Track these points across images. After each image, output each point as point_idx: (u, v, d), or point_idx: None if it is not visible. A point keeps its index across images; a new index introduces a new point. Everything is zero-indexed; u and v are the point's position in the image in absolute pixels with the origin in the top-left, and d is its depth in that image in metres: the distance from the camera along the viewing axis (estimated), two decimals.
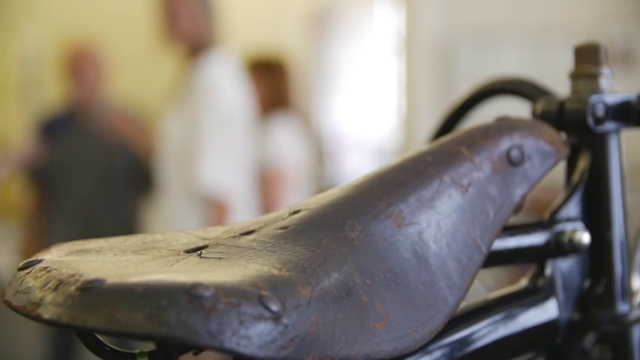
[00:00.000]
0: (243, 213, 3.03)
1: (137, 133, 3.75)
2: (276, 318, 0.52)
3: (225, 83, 3.06)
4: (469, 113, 0.96)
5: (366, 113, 8.78)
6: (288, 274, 0.56)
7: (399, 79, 7.29)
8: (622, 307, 0.78)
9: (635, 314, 0.79)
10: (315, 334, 0.54)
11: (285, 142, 3.89)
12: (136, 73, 5.52)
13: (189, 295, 0.50)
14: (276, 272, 0.56)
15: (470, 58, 7.04)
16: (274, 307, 0.52)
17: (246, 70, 3.96)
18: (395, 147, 6.66)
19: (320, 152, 8.27)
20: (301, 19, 8.36)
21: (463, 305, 0.73)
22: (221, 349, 0.50)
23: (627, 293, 0.79)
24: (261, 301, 0.52)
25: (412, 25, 7.12)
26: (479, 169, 0.68)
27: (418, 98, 6.83)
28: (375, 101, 8.62)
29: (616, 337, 0.77)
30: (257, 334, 0.51)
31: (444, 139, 0.70)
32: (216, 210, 2.95)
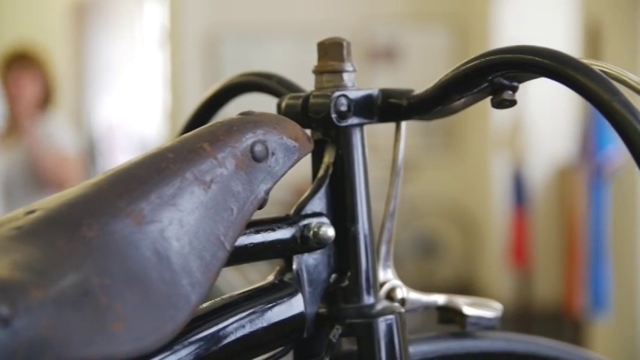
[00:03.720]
0: None
1: None
2: (5, 322, 0.50)
3: None
4: (220, 110, 0.95)
5: (136, 108, 8.69)
6: (19, 276, 0.54)
7: (164, 73, 7.25)
8: (367, 300, 0.80)
9: (380, 306, 0.80)
10: (48, 338, 0.53)
11: (61, 136, 3.83)
12: None
13: None
14: (6, 275, 0.54)
15: (236, 52, 7.09)
16: (4, 311, 0.50)
17: (8, 66, 3.85)
18: (161, 141, 6.63)
19: (91, 149, 8.13)
20: (67, 13, 8.15)
21: (210, 302, 0.73)
22: None
23: (372, 286, 0.81)
24: None
25: (177, 20, 7.10)
26: (222, 165, 0.68)
27: (184, 93, 6.82)
28: (144, 96, 8.53)
29: (361, 329, 0.78)
30: None
31: (187, 135, 0.69)
32: None
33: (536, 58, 0.70)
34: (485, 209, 7.21)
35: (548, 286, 6.40)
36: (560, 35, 5.98)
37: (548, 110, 6.42)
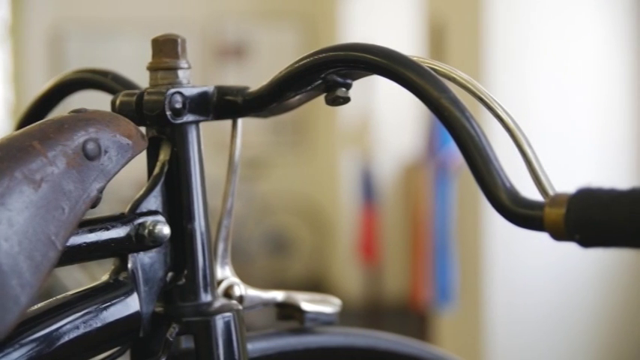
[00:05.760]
0: None
1: None
2: None
3: None
4: (55, 107, 0.94)
5: None
6: None
7: (6, 69, 7.08)
8: (205, 298, 0.80)
9: (217, 304, 0.80)
10: None
11: None
12: None
13: None
14: None
15: (82, 49, 6.97)
16: None
17: None
18: None
19: None
20: None
21: (44, 303, 0.71)
22: None
23: (210, 284, 0.81)
24: None
25: (19, 14, 6.93)
26: (52, 163, 0.66)
27: (27, 89, 6.67)
28: None
29: (198, 327, 0.78)
30: None
31: (16, 133, 0.68)
32: None
33: (367, 56, 0.71)
34: (335, 206, 7.28)
35: (397, 280, 6.52)
36: (406, 34, 6.08)
37: (395, 108, 6.52)
